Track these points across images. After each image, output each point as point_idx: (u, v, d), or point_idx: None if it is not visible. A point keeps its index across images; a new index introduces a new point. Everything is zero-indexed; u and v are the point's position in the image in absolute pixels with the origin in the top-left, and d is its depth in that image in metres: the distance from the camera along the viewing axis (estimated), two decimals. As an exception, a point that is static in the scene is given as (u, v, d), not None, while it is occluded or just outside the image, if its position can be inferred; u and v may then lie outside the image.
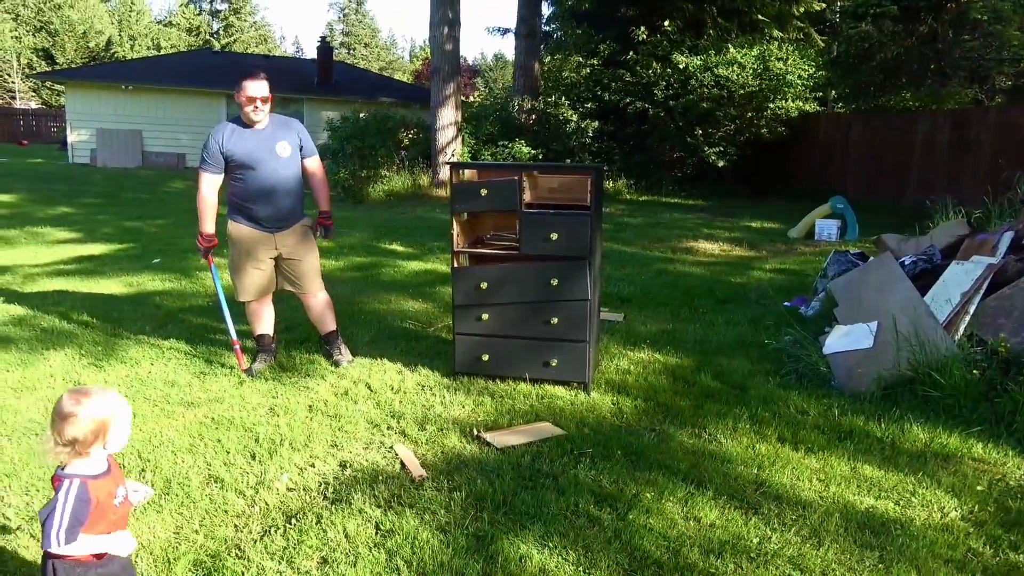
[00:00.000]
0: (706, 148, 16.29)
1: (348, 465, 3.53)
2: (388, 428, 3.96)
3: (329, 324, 5.02)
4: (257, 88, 4.57)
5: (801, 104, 16.27)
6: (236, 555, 2.77)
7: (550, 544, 2.82)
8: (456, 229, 4.62)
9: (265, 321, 4.95)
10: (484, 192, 4.47)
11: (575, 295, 4.47)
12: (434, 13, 15.30)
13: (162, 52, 36.44)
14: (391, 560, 2.73)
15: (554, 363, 4.54)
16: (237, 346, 4.89)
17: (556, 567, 2.68)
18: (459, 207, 4.55)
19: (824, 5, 20.24)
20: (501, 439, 3.81)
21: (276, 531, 2.93)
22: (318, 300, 4.98)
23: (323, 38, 24.29)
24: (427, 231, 11.34)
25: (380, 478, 3.37)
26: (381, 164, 15.50)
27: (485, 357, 4.64)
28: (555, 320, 4.50)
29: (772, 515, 3.06)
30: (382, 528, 2.94)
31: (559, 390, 4.50)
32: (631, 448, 3.68)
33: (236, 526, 2.98)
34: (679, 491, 3.25)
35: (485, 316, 4.61)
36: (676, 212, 14.41)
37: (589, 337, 4.51)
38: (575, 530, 2.93)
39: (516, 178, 4.43)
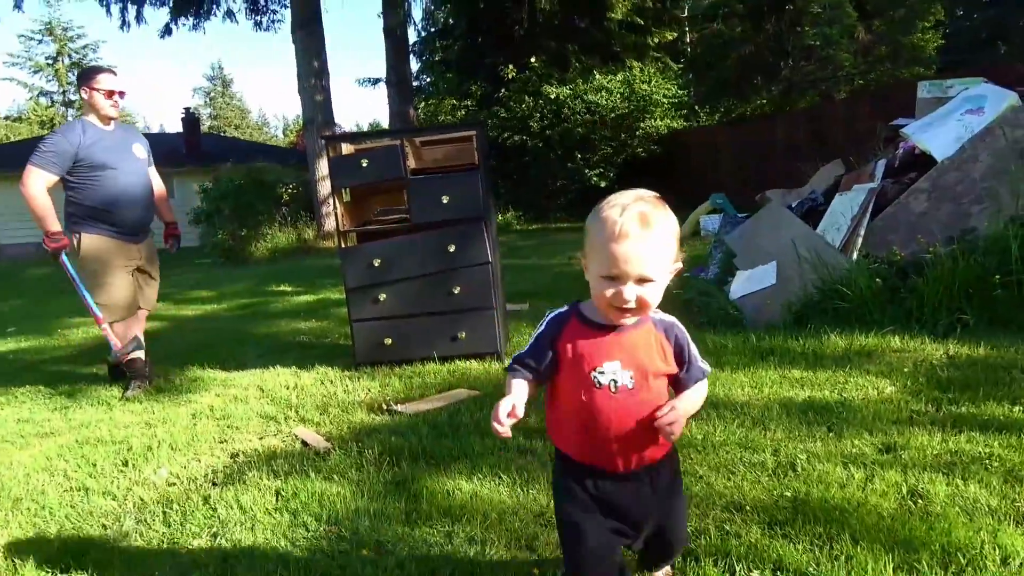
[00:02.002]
0: (587, 171, 16.65)
1: (240, 454, 3.06)
2: (285, 418, 3.51)
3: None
4: (116, 81, 4.16)
5: (669, 122, 16.99)
6: (104, 548, 2.27)
7: (480, 475, 2.49)
8: (340, 208, 4.29)
9: (135, 332, 4.38)
10: (365, 163, 4.18)
11: (475, 259, 4.21)
12: (301, 65, 15.07)
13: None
14: (296, 519, 2.30)
15: (462, 335, 4.24)
16: (104, 324, 4.19)
17: (490, 492, 2.35)
18: (339, 181, 4.24)
19: (676, 35, 21.50)
20: (413, 407, 3.45)
21: (155, 519, 2.44)
22: (144, 318, 4.55)
23: (187, 109, 23.47)
24: (317, 274, 10.81)
25: (279, 457, 2.93)
26: (262, 222, 14.85)
27: (388, 341, 4.28)
28: (457, 289, 4.22)
29: (712, 417, 2.85)
30: (283, 495, 2.51)
31: (472, 363, 4.19)
32: (555, 392, 3.41)
33: (105, 525, 2.47)
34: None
35: (382, 296, 4.26)
36: (567, 234, 14.52)
37: (496, 303, 4.25)
38: (505, 462, 2.61)
39: (398, 143, 4.19)
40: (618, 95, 16.38)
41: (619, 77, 16.70)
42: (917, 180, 4.87)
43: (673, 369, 1.45)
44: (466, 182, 4.16)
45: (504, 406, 1.37)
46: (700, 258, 7.69)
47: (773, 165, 15.66)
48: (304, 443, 3.10)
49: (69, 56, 39.71)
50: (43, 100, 40.49)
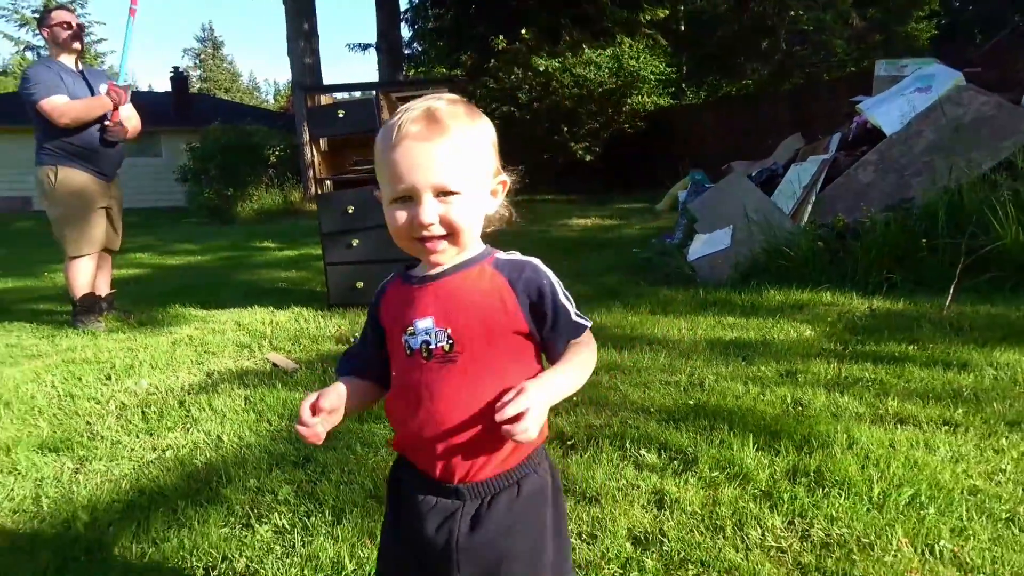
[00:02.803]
0: (572, 145, 16.87)
1: (215, 372, 3.33)
2: (259, 347, 3.78)
3: (109, 286, 4.72)
4: (70, 16, 4.32)
5: (656, 99, 17.20)
6: (88, 437, 2.54)
7: (428, 387, 2.78)
8: (316, 157, 4.53)
9: (104, 276, 4.60)
10: (341, 114, 4.42)
11: (444, 210, 4.47)
12: (290, 27, 15.11)
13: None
14: (261, 416, 2.59)
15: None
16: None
17: (435, 399, 2.64)
18: (316, 132, 4.47)
19: (667, 12, 21.61)
20: (378, 339, 3.73)
21: (134, 416, 2.71)
22: (111, 258, 4.72)
23: (176, 68, 23.43)
24: (301, 233, 11.02)
25: (249, 374, 3.21)
26: (249, 182, 14.98)
27: (360, 284, 4.54)
28: (426, 238, 4.48)
29: (644, 351, 3.15)
30: (251, 400, 2.79)
31: (437, 308, 4.46)
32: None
33: (88, 421, 2.74)
34: (556, 347, 3.28)
35: (355, 242, 4.52)
36: (552, 205, 14.78)
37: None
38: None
39: (373, 96, 4.42)
40: (607, 70, 16.55)
41: (608, 52, 16.85)
42: (867, 153, 5.16)
43: (523, 326, 1.03)
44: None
45: (305, 403, 1.03)
46: (671, 227, 8.00)
47: (755, 143, 15.91)
48: (275, 365, 3.38)
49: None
50: (29, 54, 40.02)
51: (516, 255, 1.10)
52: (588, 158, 17.05)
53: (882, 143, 5.08)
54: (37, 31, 4.52)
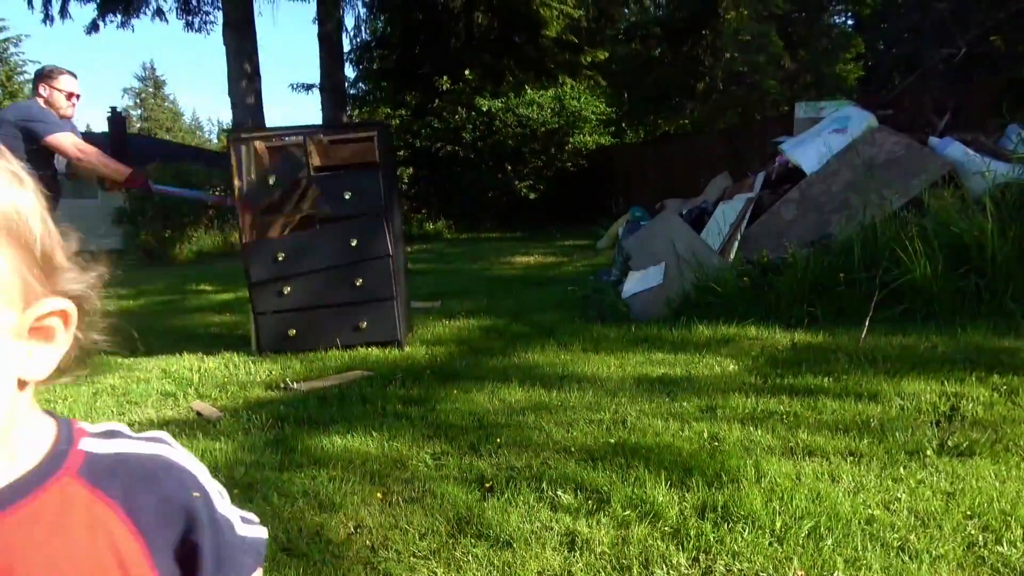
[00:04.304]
0: (517, 183, 17.10)
1: (135, 424, 3.24)
2: (184, 395, 3.69)
3: None
4: (76, 84, 4.37)
5: (597, 138, 17.62)
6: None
7: (353, 433, 2.75)
8: (246, 221, 4.50)
9: None
10: (272, 180, 4.40)
11: (377, 252, 4.47)
12: (231, 67, 15.03)
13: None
14: (178, 468, 2.52)
15: (363, 325, 4.49)
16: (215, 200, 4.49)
17: (359, 445, 2.61)
18: (254, 204, 4.45)
19: (608, 54, 22.28)
20: (308, 384, 3.69)
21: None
22: None
23: (114, 108, 22.95)
24: (240, 275, 10.82)
25: (171, 423, 3.13)
26: (187, 223, 14.72)
27: (292, 332, 4.49)
28: (360, 281, 4.47)
29: (573, 389, 3.18)
30: (170, 451, 2.72)
31: (373, 350, 4.44)
32: (442, 371, 3.70)
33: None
34: (487, 388, 3.30)
35: (287, 289, 4.48)
36: (496, 243, 14.90)
37: (396, 293, 4.51)
38: (380, 423, 2.88)
39: (302, 140, 4.43)
40: (549, 110, 16.91)
41: (550, 93, 17.24)
42: (789, 191, 5.38)
43: None
44: (366, 179, 4.42)
45: None
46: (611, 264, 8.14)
47: (693, 181, 16.37)
48: (199, 414, 3.30)
49: (-10, 49, 38.19)
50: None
51: (125, 441, 0.60)
52: (532, 196, 17.31)
53: (803, 182, 5.30)
54: (34, 82, 4.42)
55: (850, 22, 21.97)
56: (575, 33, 20.53)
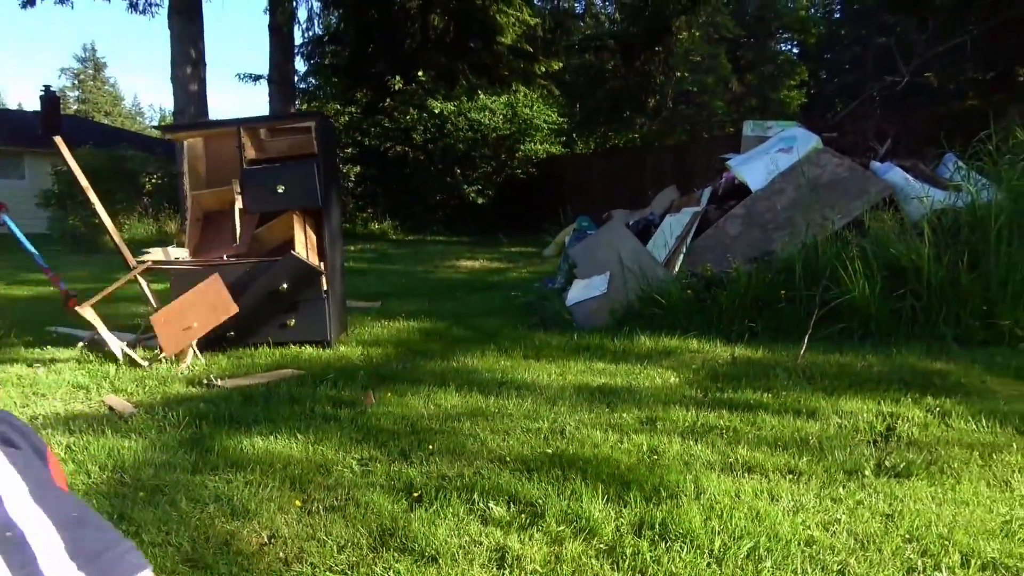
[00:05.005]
0: (465, 187, 16.97)
1: (40, 417, 2.99)
2: (97, 388, 3.45)
3: None
4: None
5: (548, 147, 17.64)
6: None
7: (277, 434, 2.59)
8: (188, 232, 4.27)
9: None
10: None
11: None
12: (175, 51, 14.50)
13: None
14: (80, 467, 2.31)
15: (292, 323, 4.29)
16: (50, 275, 4.53)
17: (282, 448, 2.45)
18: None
19: (562, 64, 22.39)
20: (234, 382, 3.49)
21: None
22: None
23: (47, 87, 21.88)
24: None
25: (79, 419, 2.90)
26: (120, 211, 14.09)
27: (231, 334, 4.25)
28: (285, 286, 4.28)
29: (511, 396, 3.08)
30: (73, 448, 2.51)
31: (307, 348, 4.25)
32: (377, 373, 3.55)
33: None
34: (422, 391, 3.17)
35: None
36: (441, 246, 14.73)
37: (327, 292, 4.33)
38: (307, 425, 2.72)
39: (237, 130, 4.23)
40: (501, 116, 16.85)
41: (503, 99, 17.19)
42: (735, 207, 5.41)
43: None
44: (301, 171, 4.23)
45: None
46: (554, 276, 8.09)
47: (640, 193, 16.54)
48: (111, 408, 3.08)
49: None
50: None
51: None
52: (480, 201, 17.21)
53: (748, 198, 5.34)
54: None
55: (795, 50, 22.72)
56: (530, 42, 20.55)
